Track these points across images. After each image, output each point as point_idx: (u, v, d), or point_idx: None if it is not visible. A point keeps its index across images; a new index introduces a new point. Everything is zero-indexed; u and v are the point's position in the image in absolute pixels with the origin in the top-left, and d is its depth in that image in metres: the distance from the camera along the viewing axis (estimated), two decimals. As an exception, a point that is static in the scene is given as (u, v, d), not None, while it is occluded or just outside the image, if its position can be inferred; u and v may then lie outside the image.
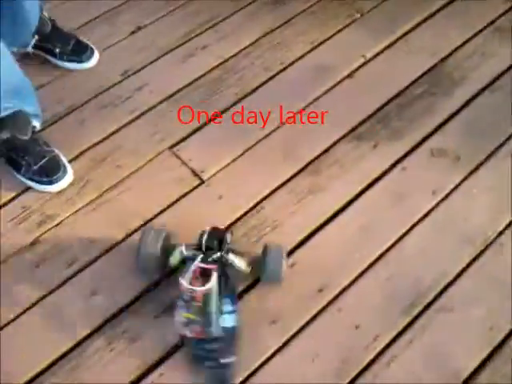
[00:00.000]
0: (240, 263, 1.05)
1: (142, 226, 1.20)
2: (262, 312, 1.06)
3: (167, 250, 1.06)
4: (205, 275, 0.96)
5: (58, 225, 1.22)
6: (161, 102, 1.40)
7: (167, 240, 1.08)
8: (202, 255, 0.99)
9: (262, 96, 1.40)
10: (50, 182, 1.23)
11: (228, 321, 1.00)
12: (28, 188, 1.26)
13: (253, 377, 1.01)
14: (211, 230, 1.04)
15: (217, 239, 1.02)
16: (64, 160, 1.27)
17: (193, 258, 0.99)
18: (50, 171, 1.23)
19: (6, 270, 1.15)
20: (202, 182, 1.27)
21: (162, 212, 1.23)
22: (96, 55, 1.47)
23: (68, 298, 1.11)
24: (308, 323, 1.05)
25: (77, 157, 1.32)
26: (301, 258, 1.13)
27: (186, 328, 0.97)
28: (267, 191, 1.24)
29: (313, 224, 1.18)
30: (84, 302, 1.10)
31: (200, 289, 0.94)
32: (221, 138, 1.33)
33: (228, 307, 1.02)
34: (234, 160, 1.29)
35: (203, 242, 1.01)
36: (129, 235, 1.19)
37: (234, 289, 1.06)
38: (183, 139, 1.34)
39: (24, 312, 1.10)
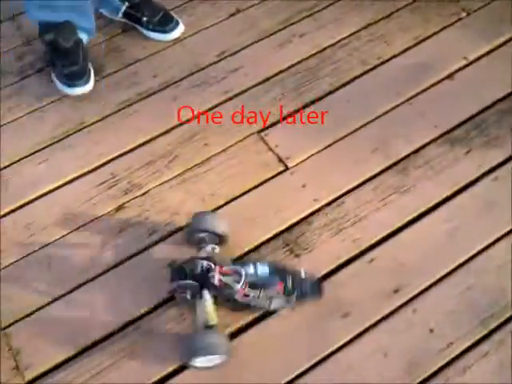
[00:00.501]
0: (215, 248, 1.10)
1: (224, 205, 1.25)
2: (335, 305, 1.08)
3: None
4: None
5: (143, 194, 1.28)
6: (254, 86, 1.44)
7: None
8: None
9: (357, 89, 1.41)
10: None
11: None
12: (121, 155, 1.34)
13: (318, 366, 1.03)
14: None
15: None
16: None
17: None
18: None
19: (92, 232, 1.23)
20: (287, 168, 1.29)
21: (244, 194, 1.26)
22: (180, 28, 1.54)
23: (145, 264, 1.17)
24: (380, 321, 1.06)
25: (167, 132, 1.38)
26: (380, 255, 1.14)
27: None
28: (351, 185, 1.25)
29: (396, 223, 1.18)
30: (158, 271, 1.14)
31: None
32: (310, 128, 1.35)
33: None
34: (321, 150, 1.31)
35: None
36: (212, 210, 1.24)
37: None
38: (272, 125, 1.37)
39: (102, 274, 1.17)
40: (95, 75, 1.47)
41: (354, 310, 1.08)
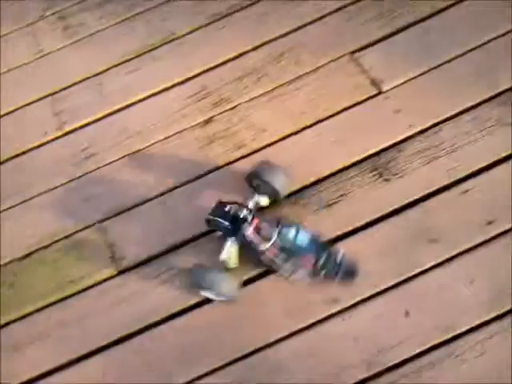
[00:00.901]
0: (261, 199, 1.09)
1: (312, 125, 1.24)
2: (423, 230, 1.08)
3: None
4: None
5: (232, 109, 1.30)
6: (351, 4, 1.40)
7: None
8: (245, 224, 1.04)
9: (464, 11, 1.34)
10: None
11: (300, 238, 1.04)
12: (211, 68, 1.36)
13: (401, 285, 1.04)
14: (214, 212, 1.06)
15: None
16: None
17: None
18: None
19: (179, 143, 1.26)
20: (380, 92, 1.27)
21: (333, 115, 1.25)
22: None
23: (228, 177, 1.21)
24: (470, 250, 1.05)
25: (256, 48, 1.37)
26: (474, 187, 1.12)
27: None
28: (449, 114, 1.21)
29: (495, 156, 1.15)
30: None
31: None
32: (408, 51, 1.31)
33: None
34: (417, 76, 1.27)
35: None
36: (298, 131, 1.24)
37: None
38: (367, 46, 1.34)
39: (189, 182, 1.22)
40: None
41: (442, 236, 1.07)
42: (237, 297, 1.04)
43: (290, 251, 1.02)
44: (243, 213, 1.05)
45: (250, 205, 1.08)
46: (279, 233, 1.03)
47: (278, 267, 1.04)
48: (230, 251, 1.04)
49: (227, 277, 1.03)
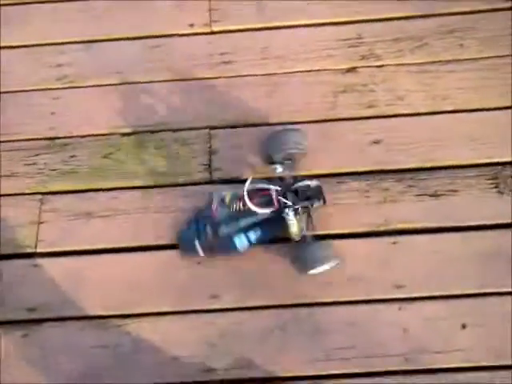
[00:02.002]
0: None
1: (448, 112, 1.25)
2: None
3: None
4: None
5: (378, 67, 1.32)
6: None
7: None
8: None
9: None
10: None
11: None
12: (373, 20, 1.38)
13: (470, 298, 1.07)
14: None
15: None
16: None
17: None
18: None
19: (314, 80, 1.31)
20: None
21: (473, 111, 1.25)
22: None
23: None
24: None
25: (428, 16, 1.37)
26: None
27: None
28: None
29: None
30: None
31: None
32: None
33: None
34: None
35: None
36: (433, 113, 1.26)
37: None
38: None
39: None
40: None
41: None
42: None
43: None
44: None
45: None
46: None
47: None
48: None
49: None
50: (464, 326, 1.03)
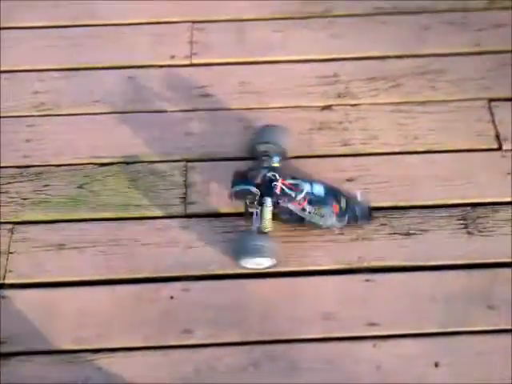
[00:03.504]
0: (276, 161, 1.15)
1: (421, 153, 1.25)
2: (485, 294, 1.09)
3: None
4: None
5: (353, 105, 1.32)
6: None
7: None
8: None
9: None
10: None
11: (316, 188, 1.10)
12: (350, 58, 1.39)
13: (444, 336, 1.05)
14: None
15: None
16: None
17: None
18: None
19: (291, 117, 1.30)
20: (500, 149, 1.26)
21: (446, 151, 1.26)
22: None
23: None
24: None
25: (402, 57, 1.39)
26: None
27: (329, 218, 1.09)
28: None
29: None
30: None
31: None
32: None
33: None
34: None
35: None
36: (405, 153, 1.26)
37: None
38: (508, 99, 1.32)
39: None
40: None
41: (502, 307, 1.07)
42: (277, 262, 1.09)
43: (314, 202, 1.08)
44: (266, 174, 1.08)
45: (267, 164, 1.12)
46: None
47: (310, 218, 1.09)
48: (265, 212, 1.07)
49: (271, 240, 1.07)
50: (437, 365, 1.02)
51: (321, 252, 1.13)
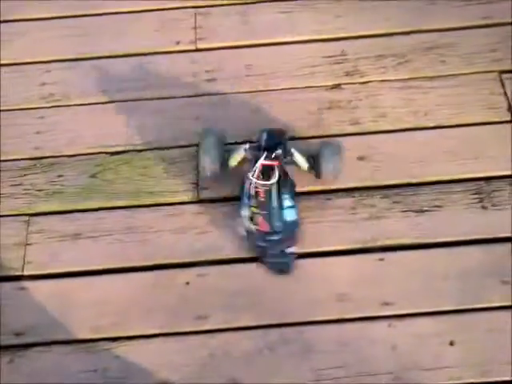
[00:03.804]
0: (300, 160, 1.10)
1: (431, 128, 1.23)
2: (500, 269, 1.07)
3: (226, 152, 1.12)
4: (267, 172, 1.03)
5: (362, 83, 1.30)
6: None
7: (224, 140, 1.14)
8: (265, 153, 1.03)
9: None
10: None
11: (289, 215, 1.06)
12: (357, 37, 1.37)
13: (457, 314, 1.04)
14: (270, 130, 1.09)
15: (277, 138, 1.07)
16: None
17: (256, 159, 1.04)
18: None
19: (300, 97, 1.28)
20: (513, 121, 1.23)
21: (456, 126, 1.24)
22: None
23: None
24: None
25: (409, 33, 1.36)
26: None
27: (250, 222, 1.05)
28: None
29: None
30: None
31: (265, 183, 1.02)
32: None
33: (288, 203, 1.06)
34: None
35: (263, 141, 1.06)
36: (415, 129, 1.24)
37: (293, 186, 1.11)
38: (519, 72, 1.29)
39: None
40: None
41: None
42: None
43: (265, 208, 1.04)
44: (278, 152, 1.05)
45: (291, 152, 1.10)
46: (276, 186, 1.04)
47: (244, 205, 1.06)
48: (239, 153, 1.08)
49: None
50: (452, 343, 1.01)
51: (333, 232, 1.12)
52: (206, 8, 1.45)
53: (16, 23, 1.45)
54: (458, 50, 1.33)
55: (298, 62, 1.34)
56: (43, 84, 1.35)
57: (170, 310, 1.07)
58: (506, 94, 1.27)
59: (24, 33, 1.44)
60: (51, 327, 1.05)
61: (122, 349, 1.02)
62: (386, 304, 1.05)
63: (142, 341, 1.04)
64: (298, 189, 1.13)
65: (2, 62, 1.39)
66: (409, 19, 1.38)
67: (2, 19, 1.45)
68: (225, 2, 1.46)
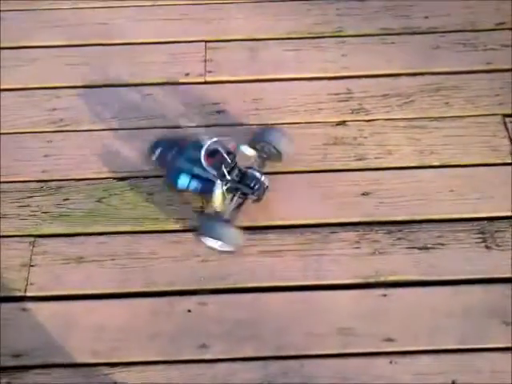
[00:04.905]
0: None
1: (437, 167, 1.24)
2: (501, 309, 1.06)
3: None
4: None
5: (368, 121, 1.31)
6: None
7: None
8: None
9: None
10: None
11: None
12: (363, 76, 1.37)
13: (459, 353, 1.03)
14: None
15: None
16: None
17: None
18: None
19: (305, 133, 1.29)
20: (515, 163, 1.24)
21: (460, 166, 1.24)
22: None
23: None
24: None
25: (415, 74, 1.38)
26: None
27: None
28: None
29: None
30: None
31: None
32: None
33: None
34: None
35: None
36: (420, 167, 1.24)
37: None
38: (521, 116, 1.31)
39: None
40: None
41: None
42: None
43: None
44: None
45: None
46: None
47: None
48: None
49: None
50: (454, 383, 0.99)
51: (337, 266, 1.11)
52: (217, 42, 1.47)
53: (28, 50, 1.46)
54: (462, 92, 1.34)
55: (304, 98, 1.35)
56: (53, 109, 1.35)
57: (171, 337, 1.05)
58: (509, 137, 1.27)
59: (35, 59, 1.45)
60: (51, 350, 1.03)
61: (121, 375, 1.00)
62: (388, 340, 1.03)
63: (141, 367, 1.02)
64: (302, 220, 1.15)
65: (13, 86, 1.39)
66: (414, 62, 1.40)
67: (13, 45, 1.46)
68: (235, 38, 1.47)
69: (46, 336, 1.04)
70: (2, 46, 1.46)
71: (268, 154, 1.19)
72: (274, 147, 1.18)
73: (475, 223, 1.16)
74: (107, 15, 1.51)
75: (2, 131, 1.32)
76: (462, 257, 1.12)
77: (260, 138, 1.19)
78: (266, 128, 1.22)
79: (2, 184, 1.23)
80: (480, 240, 1.14)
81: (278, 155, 1.19)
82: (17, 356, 1.02)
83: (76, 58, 1.44)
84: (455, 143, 1.27)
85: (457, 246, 1.13)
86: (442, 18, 1.48)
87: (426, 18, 1.48)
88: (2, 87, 1.39)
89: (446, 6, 1.50)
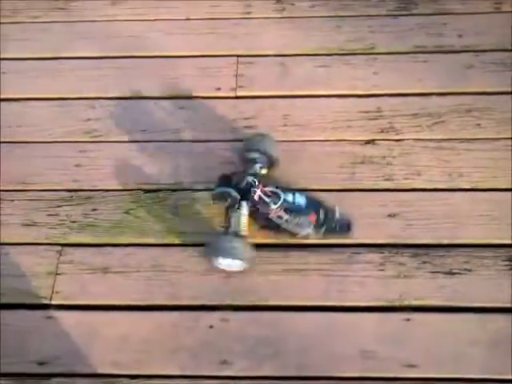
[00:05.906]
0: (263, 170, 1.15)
1: (467, 190, 1.21)
2: None
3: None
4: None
5: (397, 141, 1.28)
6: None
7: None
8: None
9: None
10: None
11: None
12: (393, 95, 1.35)
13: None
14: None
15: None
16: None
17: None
18: None
19: (333, 151, 1.27)
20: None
21: (489, 190, 1.21)
22: None
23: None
24: None
25: (446, 94, 1.35)
26: None
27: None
28: None
29: None
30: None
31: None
32: None
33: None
34: None
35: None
36: (450, 189, 1.21)
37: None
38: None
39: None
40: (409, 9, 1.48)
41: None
42: (252, 264, 1.08)
43: (293, 211, 1.08)
44: (248, 180, 1.09)
45: (252, 170, 1.13)
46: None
47: (286, 226, 1.09)
48: (241, 216, 1.07)
49: (244, 241, 1.06)
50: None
51: (361, 288, 1.09)
52: (249, 57, 1.46)
53: (67, 60, 1.47)
54: (493, 114, 1.30)
55: (334, 115, 1.33)
56: (88, 120, 1.36)
57: (193, 352, 1.04)
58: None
59: (72, 69, 1.46)
60: (74, 359, 1.04)
61: (141, 387, 1.00)
62: (411, 366, 1.01)
63: (162, 381, 1.01)
64: (326, 240, 1.13)
65: (50, 96, 1.41)
66: (446, 81, 1.36)
67: (53, 56, 1.48)
68: (266, 53, 1.46)
69: (69, 345, 1.04)
70: (42, 56, 1.47)
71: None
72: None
73: (503, 250, 1.13)
74: (141, 28, 1.52)
75: (37, 140, 1.33)
76: (488, 284, 1.08)
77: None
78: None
79: (33, 192, 1.24)
80: (508, 267, 1.10)
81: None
82: (41, 364, 1.03)
83: (110, 70, 1.45)
84: (486, 166, 1.23)
85: (484, 272, 1.10)
86: (476, 37, 1.44)
87: (460, 36, 1.45)
88: (38, 96, 1.40)
89: (481, 24, 1.46)
